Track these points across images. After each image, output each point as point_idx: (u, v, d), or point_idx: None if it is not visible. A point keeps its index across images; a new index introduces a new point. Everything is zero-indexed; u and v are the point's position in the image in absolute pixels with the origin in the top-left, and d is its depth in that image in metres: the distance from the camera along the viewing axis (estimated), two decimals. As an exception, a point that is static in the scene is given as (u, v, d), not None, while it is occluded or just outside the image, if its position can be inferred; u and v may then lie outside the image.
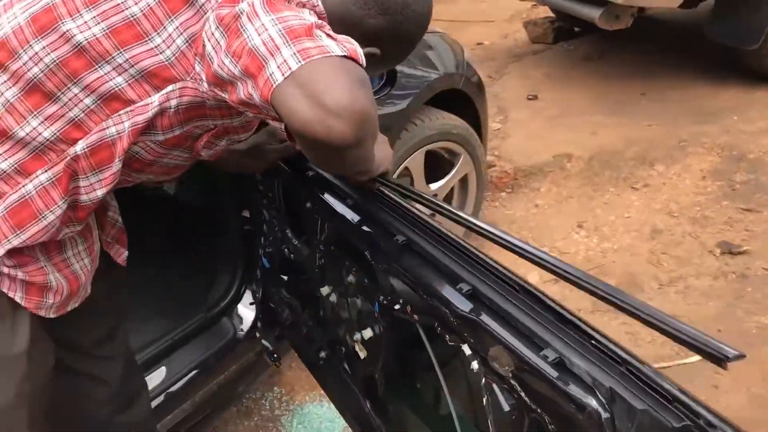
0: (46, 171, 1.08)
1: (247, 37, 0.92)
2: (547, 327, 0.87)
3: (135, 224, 2.14)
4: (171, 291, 2.13)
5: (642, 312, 0.77)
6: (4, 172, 1.07)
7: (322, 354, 1.73)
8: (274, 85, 0.88)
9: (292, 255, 1.72)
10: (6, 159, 1.07)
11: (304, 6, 1.01)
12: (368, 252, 1.23)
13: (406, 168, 2.54)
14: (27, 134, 1.06)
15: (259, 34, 0.91)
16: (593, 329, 0.85)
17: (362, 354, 1.49)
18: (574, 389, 0.82)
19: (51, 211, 1.09)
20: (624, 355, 0.80)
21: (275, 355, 1.89)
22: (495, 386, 0.98)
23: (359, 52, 0.95)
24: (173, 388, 1.88)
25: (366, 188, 1.30)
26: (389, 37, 1.17)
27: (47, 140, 1.06)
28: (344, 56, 0.91)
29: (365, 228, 1.25)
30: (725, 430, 0.70)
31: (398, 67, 2.42)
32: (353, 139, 0.88)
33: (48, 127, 1.06)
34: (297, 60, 0.88)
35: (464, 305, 0.98)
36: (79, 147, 1.07)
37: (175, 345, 1.94)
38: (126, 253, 1.40)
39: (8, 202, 1.08)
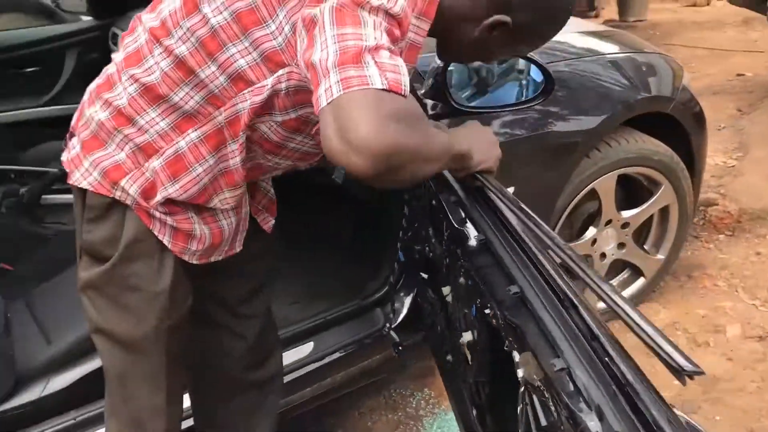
0: (196, 130, 1.24)
1: (314, 51, 0.97)
2: (567, 337, 0.82)
3: (311, 210, 2.34)
4: (336, 274, 2.27)
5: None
6: (163, 129, 1.25)
7: (449, 357, 1.73)
8: (320, 107, 0.93)
9: (431, 254, 1.75)
10: (164, 119, 1.24)
11: (377, 12, 0.98)
12: (459, 251, 1.23)
13: (594, 190, 2.43)
14: (180, 99, 1.22)
15: (321, 50, 0.95)
16: (617, 349, 0.78)
17: (470, 358, 1.47)
18: (575, 403, 0.76)
19: (199, 164, 1.25)
20: (631, 379, 0.72)
21: (400, 348, 1.93)
22: (535, 397, 0.93)
23: (403, 82, 0.94)
24: (317, 364, 2.01)
25: (466, 183, 1.30)
26: (521, 4, 1.15)
27: (197, 103, 1.22)
28: (383, 89, 0.92)
29: (461, 227, 1.25)
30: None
31: (588, 83, 2.33)
32: (373, 174, 0.90)
33: (197, 93, 1.21)
34: (339, 88, 0.91)
35: (510, 308, 0.95)
36: (222, 117, 1.22)
37: (328, 324, 2.07)
38: (273, 221, 1.53)
39: (166, 155, 1.26)
